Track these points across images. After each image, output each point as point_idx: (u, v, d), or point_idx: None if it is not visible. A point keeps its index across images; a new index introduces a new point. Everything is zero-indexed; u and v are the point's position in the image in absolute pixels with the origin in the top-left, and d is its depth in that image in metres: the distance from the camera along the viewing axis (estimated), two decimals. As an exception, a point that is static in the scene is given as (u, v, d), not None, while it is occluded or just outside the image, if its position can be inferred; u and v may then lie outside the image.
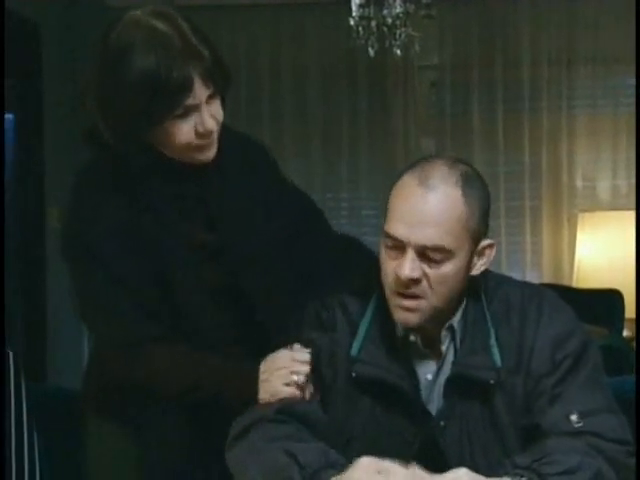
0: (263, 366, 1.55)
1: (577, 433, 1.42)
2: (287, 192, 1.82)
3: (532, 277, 4.56)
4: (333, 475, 1.34)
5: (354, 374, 1.50)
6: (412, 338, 1.51)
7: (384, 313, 1.53)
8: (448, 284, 1.46)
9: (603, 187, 4.65)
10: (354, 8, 3.75)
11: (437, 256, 1.43)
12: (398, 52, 3.85)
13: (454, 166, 1.46)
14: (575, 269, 4.44)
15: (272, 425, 1.47)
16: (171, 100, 1.53)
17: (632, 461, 1.43)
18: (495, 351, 1.48)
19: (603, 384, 1.50)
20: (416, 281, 1.43)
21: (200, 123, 1.57)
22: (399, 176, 1.49)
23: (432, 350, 1.52)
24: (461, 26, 4.68)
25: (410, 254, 1.43)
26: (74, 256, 1.65)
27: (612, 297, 4.06)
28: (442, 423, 1.48)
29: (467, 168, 1.48)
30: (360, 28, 3.89)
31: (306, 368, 1.52)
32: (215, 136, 1.61)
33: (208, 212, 1.67)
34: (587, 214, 4.47)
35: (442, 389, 1.50)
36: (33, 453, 1.82)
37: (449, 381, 1.49)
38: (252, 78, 4.64)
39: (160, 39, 1.53)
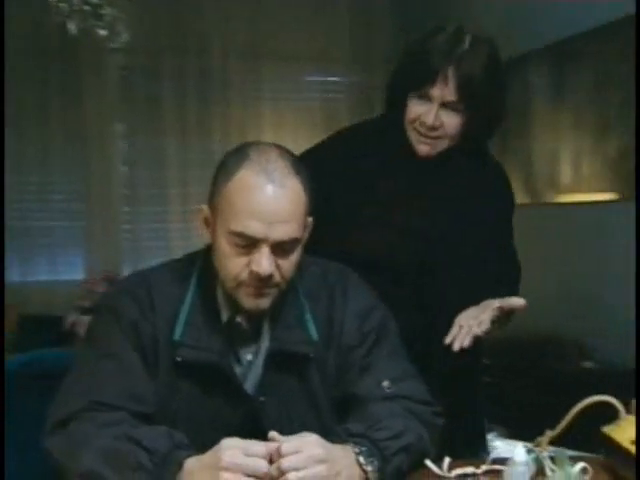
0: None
1: (391, 397, 1.52)
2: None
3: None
4: (183, 456, 1.31)
5: (179, 359, 1.47)
6: (238, 319, 1.52)
7: (205, 296, 1.53)
8: (294, 268, 1.50)
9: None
10: (55, -16, 3.62)
11: (289, 247, 1.45)
12: (102, 32, 3.81)
13: (285, 156, 1.47)
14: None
15: (97, 413, 1.41)
16: (418, 77, 1.80)
17: (437, 420, 1.57)
18: (311, 325, 1.54)
19: (403, 353, 1.62)
20: (271, 274, 1.45)
21: (425, 115, 1.81)
22: (228, 168, 1.44)
23: (253, 329, 1.54)
24: (154, 10, 4.66)
25: (266, 250, 1.43)
26: None
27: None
28: (262, 399, 1.50)
29: (288, 154, 1.50)
30: (60, 5, 3.77)
31: None
32: (435, 139, 1.83)
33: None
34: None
35: (261, 366, 1.52)
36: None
37: (268, 357, 1.52)
38: None
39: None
